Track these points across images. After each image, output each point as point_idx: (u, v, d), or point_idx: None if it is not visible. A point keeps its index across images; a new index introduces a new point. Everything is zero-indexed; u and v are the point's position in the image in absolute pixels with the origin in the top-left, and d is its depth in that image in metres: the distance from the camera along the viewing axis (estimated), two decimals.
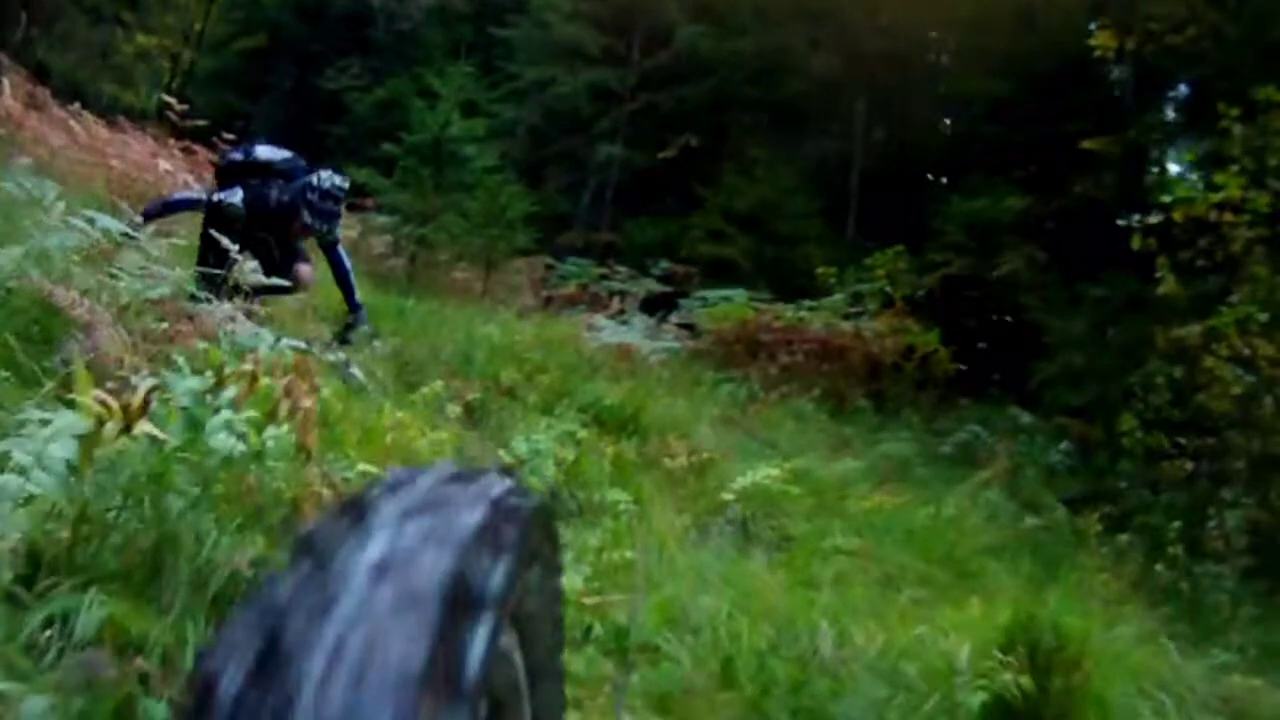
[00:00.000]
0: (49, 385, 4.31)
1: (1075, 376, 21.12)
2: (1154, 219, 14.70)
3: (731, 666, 5.39)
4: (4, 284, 5.39)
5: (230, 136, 18.75)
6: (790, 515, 9.28)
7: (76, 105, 17.80)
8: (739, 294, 21.20)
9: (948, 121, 34.00)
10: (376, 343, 10.63)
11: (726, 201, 30.21)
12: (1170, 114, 26.77)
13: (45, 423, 3.39)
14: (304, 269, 9.14)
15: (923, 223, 27.01)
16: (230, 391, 4.09)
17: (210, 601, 3.58)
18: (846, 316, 20.63)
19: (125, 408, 3.50)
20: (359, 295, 9.38)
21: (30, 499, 3.21)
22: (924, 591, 8.34)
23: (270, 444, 4.17)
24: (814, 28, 31.31)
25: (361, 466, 4.89)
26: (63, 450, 3.33)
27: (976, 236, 25.99)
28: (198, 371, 4.13)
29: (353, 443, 5.88)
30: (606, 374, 13.34)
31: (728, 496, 8.91)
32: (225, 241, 7.01)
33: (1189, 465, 14.01)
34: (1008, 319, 26.38)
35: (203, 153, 18.52)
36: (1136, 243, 14.68)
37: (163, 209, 9.37)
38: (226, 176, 9.07)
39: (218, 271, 7.32)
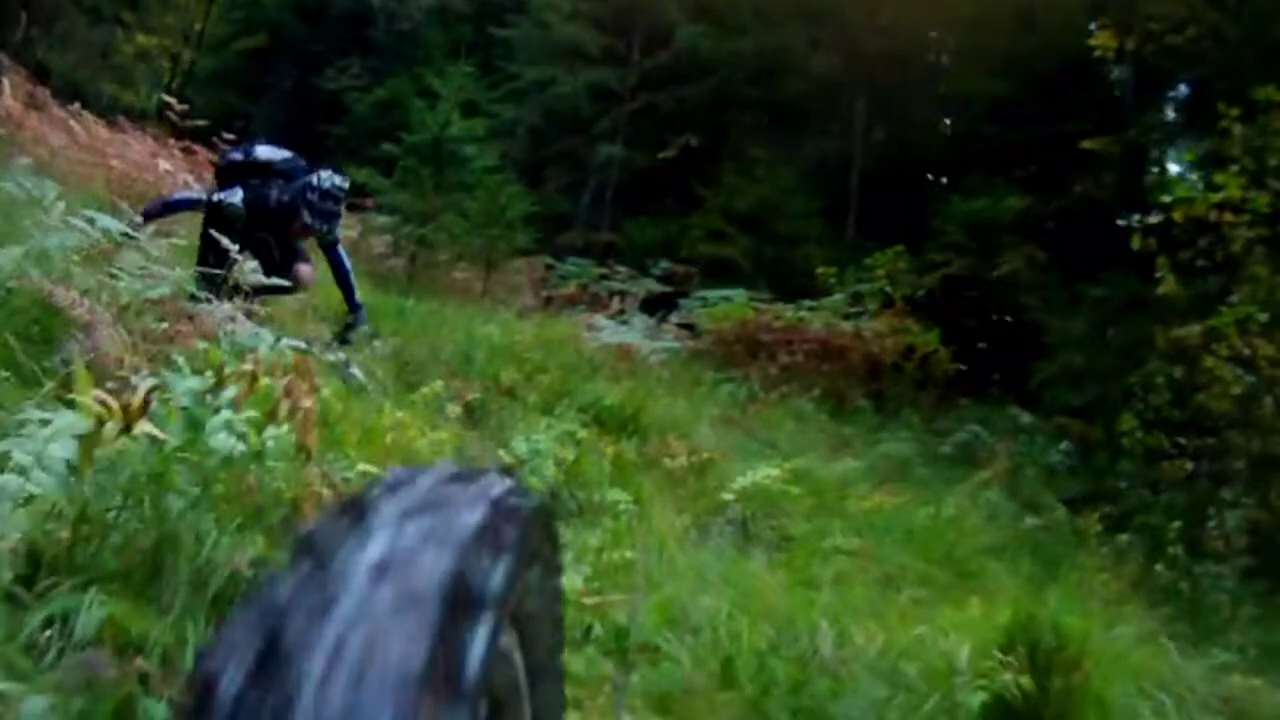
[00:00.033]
0: (49, 385, 4.31)
1: (1075, 376, 21.13)
2: (1154, 219, 14.70)
3: (731, 666, 5.39)
4: (4, 284, 5.39)
5: (230, 137, 18.76)
6: (790, 515, 9.29)
7: (76, 105, 17.81)
8: (739, 294, 21.20)
9: (948, 121, 34.02)
10: (377, 343, 10.64)
11: (726, 201, 30.21)
12: (1170, 114, 26.78)
13: (45, 423, 3.39)
14: (304, 269, 9.15)
15: (923, 223, 27.01)
16: (230, 391, 4.09)
17: (210, 601, 3.58)
18: (846, 316, 20.63)
19: (125, 408, 3.50)
20: (359, 295, 9.40)
21: (30, 499, 3.21)
22: (924, 591, 8.34)
23: (270, 444, 4.16)
24: (814, 28, 31.32)
25: (361, 466, 4.90)
26: (63, 450, 3.33)
27: (976, 236, 25.99)
28: (198, 371, 4.13)
29: (353, 443, 5.88)
30: (606, 374, 13.35)
31: (728, 496, 8.91)
32: (225, 241, 7.01)
33: (1189, 465, 14.01)
34: (1008, 319, 26.40)
35: (203, 153, 18.53)
36: (1136, 243, 14.68)
37: (163, 209, 9.38)
38: (226, 176, 9.07)
39: (218, 271, 7.33)
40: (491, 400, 10.44)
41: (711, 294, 21.51)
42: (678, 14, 32.87)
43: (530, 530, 1.61)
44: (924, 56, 33.71)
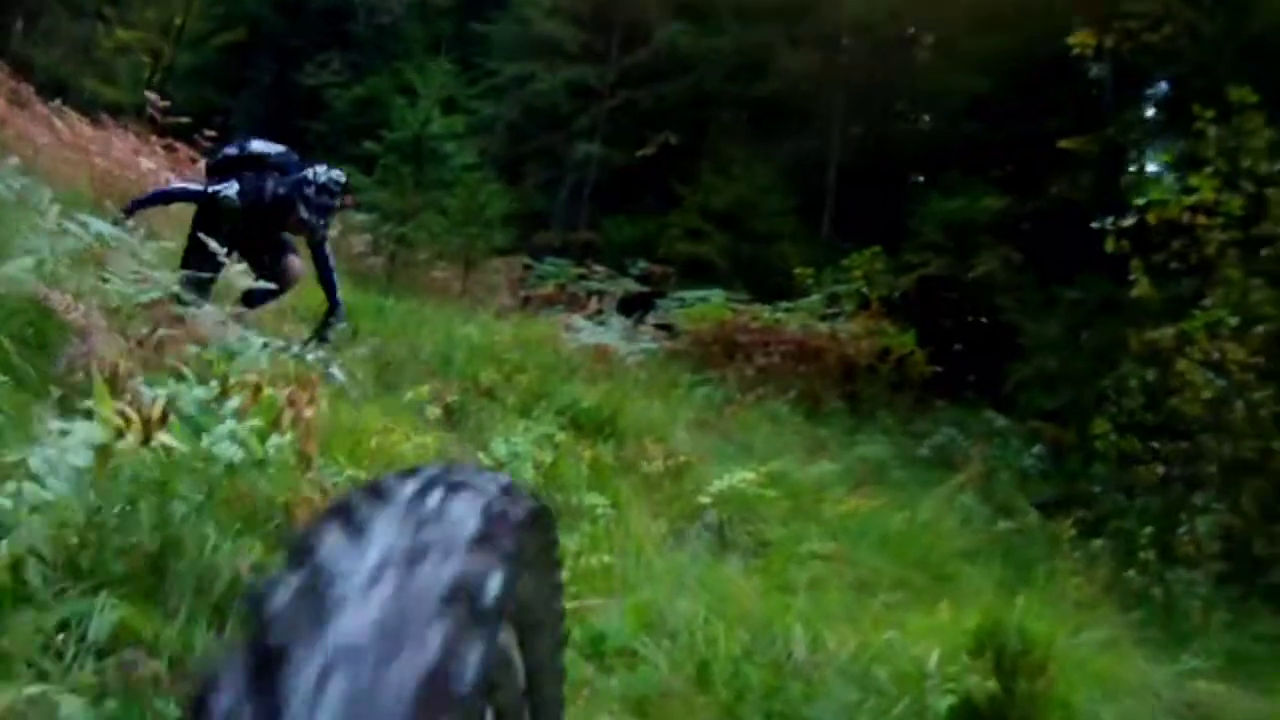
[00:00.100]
0: (56, 392, 4.38)
1: (1049, 379, 21.18)
2: (1128, 221, 14.74)
3: (708, 671, 5.44)
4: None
5: (211, 134, 18.80)
6: (766, 519, 9.30)
7: (58, 102, 17.83)
8: (716, 294, 21.15)
9: (926, 118, 33.99)
10: (362, 349, 10.68)
11: (704, 200, 30.14)
12: (1150, 111, 26.78)
13: (65, 433, 3.47)
14: (294, 261, 9.20)
15: (900, 221, 26.96)
16: (235, 401, 4.18)
17: (213, 605, 3.67)
18: (823, 318, 20.55)
19: (145, 420, 3.58)
20: (340, 293, 9.46)
21: (39, 506, 3.28)
22: (898, 595, 8.40)
23: (272, 452, 4.25)
24: (793, 25, 31.28)
25: (350, 472, 4.96)
26: (79, 459, 3.41)
27: (953, 236, 25.95)
28: (202, 380, 4.22)
29: (338, 447, 5.95)
30: (584, 375, 13.34)
31: (704, 500, 8.89)
32: (213, 244, 7.06)
33: (1161, 469, 14.04)
34: (983, 320, 26.42)
35: (184, 150, 18.56)
36: (1110, 245, 14.68)
37: (156, 199, 9.46)
38: (221, 172, 9.09)
39: (206, 275, 7.40)
40: (470, 402, 10.43)
41: (689, 294, 21.43)
42: (657, 11, 32.83)
43: (528, 530, 1.62)
44: (902, 53, 33.62)
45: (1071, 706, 6.06)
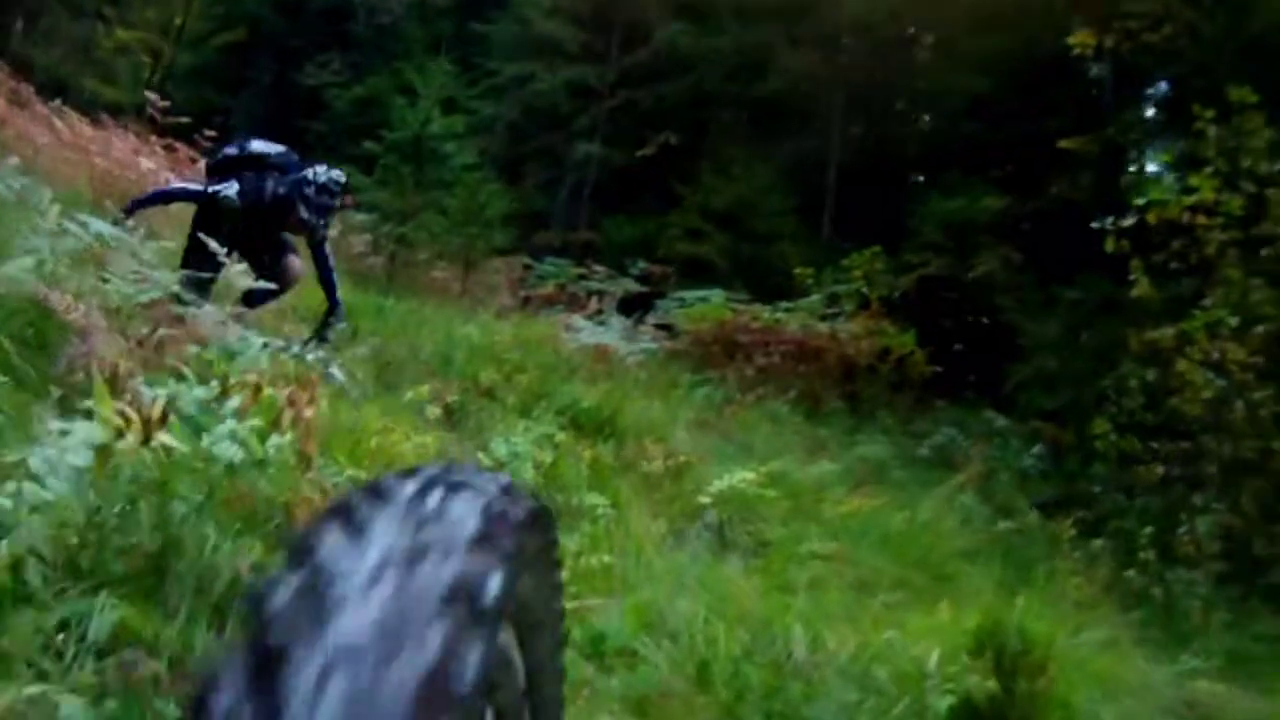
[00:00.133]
0: (56, 393, 4.39)
1: (1049, 379, 21.18)
2: (1128, 221, 14.72)
3: (708, 671, 5.44)
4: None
5: (211, 134, 18.82)
6: (766, 519, 9.29)
7: (58, 102, 17.84)
8: (716, 294, 21.13)
9: (926, 118, 33.99)
10: (362, 349, 10.69)
11: (704, 200, 30.14)
12: (1150, 111, 26.75)
13: (65, 433, 3.48)
14: (295, 261, 9.21)
15: (900, 221, 26.95)
16: (235, 401, 4.19)
17: (213, 605, 3.67)
18: (823, 318, 20.53)
19: (145, 420, 3.59)
20: (340, 293, 9.47)
21: (39, 506, 3.29)
22: (898, 596, 8.39)
23: (273, 452, 4.25)
24: (793, 24, 31.28)
25: (350, 472, 4.96)
26: (79, 459, 3.42)
27: (953, 237, 25.94)
28: (203, 380, 4.22)
29: (339, 447, 5.95)
30: (584, 375, 13.33)
31: (704, 500, 8.88)
32: (213, 244, 7.06)
33: (1161, 470, 14.03)
34: (984, 320, 26.39)
35: (183, 150, 18.57)
36: (1110, 245, 14.66)
37: (157, 199, 9.47)
38: (221, 172, 9.09)
39: (206, 275, 7.41)
40: (470, 401, 10.42)
41: (689, 294, 21.40)
42: (657, 11, 32.85)
43: (529, 529, 1.62)
44: (902, 53, 33.60)
45: (1071, 706, 6.06)
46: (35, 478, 3.29)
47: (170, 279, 6.52)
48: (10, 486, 3.25)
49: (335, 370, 7.97)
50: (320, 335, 9.10)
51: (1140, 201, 14.74)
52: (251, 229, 8.67)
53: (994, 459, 17.03)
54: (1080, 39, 19.78)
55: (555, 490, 8.12)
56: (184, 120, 19.10)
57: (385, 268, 20.80)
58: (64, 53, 28.94)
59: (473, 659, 1.27)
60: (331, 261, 9.34)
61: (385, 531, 1.41)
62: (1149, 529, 12.87)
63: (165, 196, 9.71)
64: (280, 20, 39.77)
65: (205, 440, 4.01)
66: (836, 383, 19.52)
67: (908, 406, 20.35)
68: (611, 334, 17.80)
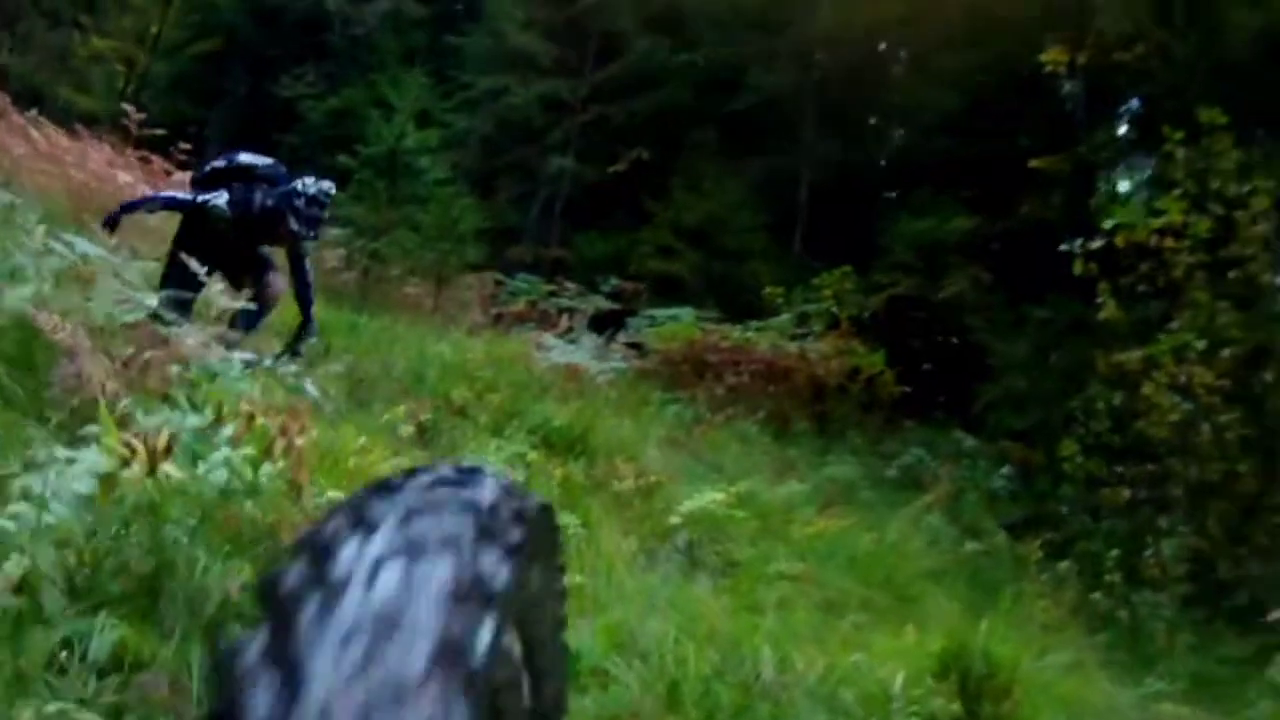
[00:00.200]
0: (53, 416, 4.44)
1: (1018, 400, 21.24)
2: (1096, 244, 14.76)
3: (678, 691, 5.44)
4: None
5: (186, 146, 18.80)
6: (735, 539, 9.30)
7: (34, 111, 17.81)
8: (686, 313, 21.13)
9: (899, 134, 34.07)
10: (335, 366, 10.70)
11: (676, 216, 30.21)
12: (1123, 129, 26.79)
13: (71, 460, 3.54)
14: (277, 279, 9.21)
15: (871, 240, 27.01)
16: (229, 429, 4.25)
17: (205, 625, 3.72)
18: (793, 337, 20.53)
19: (151, 451, 3.65)
20: (314, 308, 9.48)
21: (43, 529, 3.34)
22: (865, 616, 8.45)
23: (265, 480, 4.31)
24: (766, 40, 31.34)
25: (330, 494, 5.00)
26: (83, 486, 3.48)
27: (923, 256, 26.01)
28: (190, 402, 4.29)
29: (316, 467, 5.97)
30: (555, 394, 13.31)
31: (674, 520, 8.88)
32: (194, 264, 7.08)
33: (1127, 492, 14.08)
34: (953, 340, 26.42)
35: (158, 162, 18.55)
36: (1079, 268, 14.70)
37: (147, 204, 9.45)
38: (208, 184, 9.08)
39: (188, 295, 7.44)
40: (443, 420, 10.42)
41: (659, 313, 21.37)
42: (631, 25, 32.94)
43: (533, 529, 1.64)
44: (875, 69, 33.65)
45: None
46: (39, 501, 3.34)
47: (152, 300, 6.54)
48: (12, 509, 3.31)
49: (309, 386, 7.99)
50: (293, 350, 9.10)
51: (1108, 224, 14.75)
52: (239, 241, 8.71)
53: (962, 479, 17.08)
54: (1053, 56, 19.93)
55: None
56: (159, 132, 19.08)
57: (358, 283, 20.77)
58: (40, 61, 28.88)
59: (481, 650, 1.32)
60: (310, 276, 9.34)
61: (394, 526, 1.47)
62: (1115, 551, 12.92)
63: (155, 202, 9.68)
64: (256, 30, 39.58)
65: (201, 467, 4.08)
66: (806, 403, 19.53)
67: (877, 426, 20.38)
68: (582, 353, 17.79)
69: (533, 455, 9.62)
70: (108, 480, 3.60)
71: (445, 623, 1.31)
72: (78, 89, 30.25)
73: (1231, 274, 13.98)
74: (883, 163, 33.39)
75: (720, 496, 9.23)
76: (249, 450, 4.30)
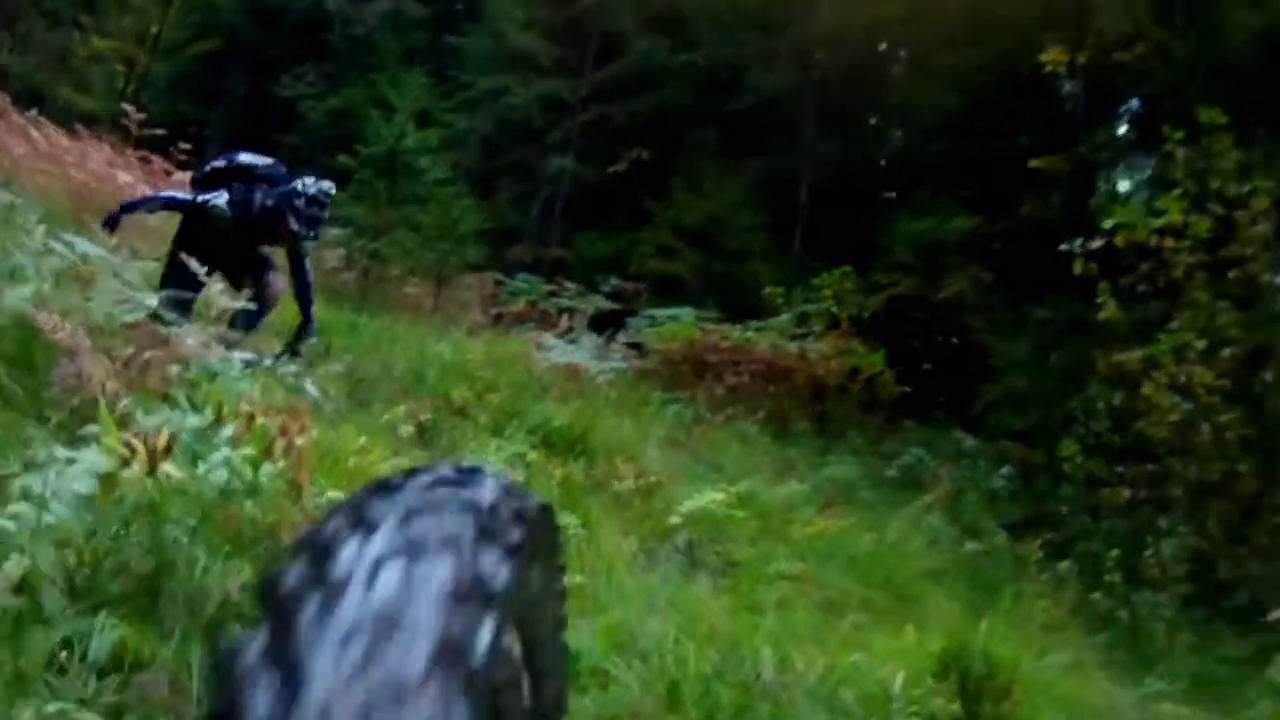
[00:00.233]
0: (53, 416, 4.44)
1: (1018, 400, 21.22)
2: (1096, 244, 14.74)
3: (678, 691, 5.43)
4: None
5: (185, 146, 18.79)
6: (735, 539, 9.29)
7: (34, 111, 17.79)
8: (686, 313, 21.11)
9: (899, 133, 34.03)
10: (335, 365, 10.68)
11: (676, 216, 30.19)
12: (1123, 129, 26.72)
13: (71, 461, 3.54)
14: (276, 279, 9.19)
15: (870, 240, 26.98)
16: (229, 429, 4.25)
17: (205, 625, 3.72)
18: (793, 337, 20.52)
19: (151, 451, 3.65)
20: (314, 308, 9.47)
21: (43, 529, 3.34)
22: (865, 616, 8.44)
23: (265, 480, 4.31)
24: (766, 39, 31.31)
25: (331, 494, 4.99)
26: (83, 486, 3.48)
27: (923, 256, 25.97)
28: (191, 403, 4.28)
29: (317, 467, 5.96)
30: (555, 394, 13.29)
31: (675, 520, 8.86)
32: (194, 265, 7.07)
33: (1127, 492, 14.06)
34: (953, 340, 26.39)
35: (158, 162, 18.54)
36: (1079, 267, 14.68)
37: (147, 204, 9.44)
38: (208, 184, 9.05)
39: (188, 295, 7.43)
40: (443, 420, 10.41)
41: (659, 313, 21.34)
42: (631, 25, 32.93)
43: (533, 529, 1.65)
44: (876, 69, 33.62)
45: None
46: (39, 501, 3.34)
47: (152, 300, 6.53)
48: (12, 509, 3.31)
49: (309, 386, 7.98)
50: (292, 349, 9.08)
51: (1108, 224, 14.73)
52: (239, 241, 8.70)
53: (962, 479, 17.06)
54: (1053, 56, 19.94)
55: None
56: (159, 132, 19.07)
57: (358, 283, 20.74)
58: (40, 60, 28.87)
59: (481, 650, 1.33)
60: (310, 276, 9.32)
61: (394, 525, 1.47)
62: (1115, 551, 12.90)
63: (155, 202, 9.66)
64: (256, 30, 39.49)
65: (201, 467, 4.08)
66: (806, 403, 19.51)
67: (877, 427, 20.36)
68: (582, 353, 17.77)
69: (533, 455, 9.62)
70: (108, 480, 3.60)
71: (445, 623, 1.31)
72: (78, 89, 30.23)
73: (1231, 274, 13.97)
74: (883, 163, 33.35)
75: (720, 496, 9.21)
76: (249, 450, 4.30)
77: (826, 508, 12.13)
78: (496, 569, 1.44)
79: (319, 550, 1.45)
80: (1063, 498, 15.74)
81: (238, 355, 5.66)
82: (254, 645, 1.34)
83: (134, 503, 3.83)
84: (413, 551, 1.41)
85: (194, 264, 7.04)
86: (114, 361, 5.54)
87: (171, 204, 9.35)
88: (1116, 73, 21.05)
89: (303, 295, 9.22)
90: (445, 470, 1.68)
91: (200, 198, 8.75)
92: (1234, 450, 13.35)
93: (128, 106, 19.96)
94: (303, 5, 39.11)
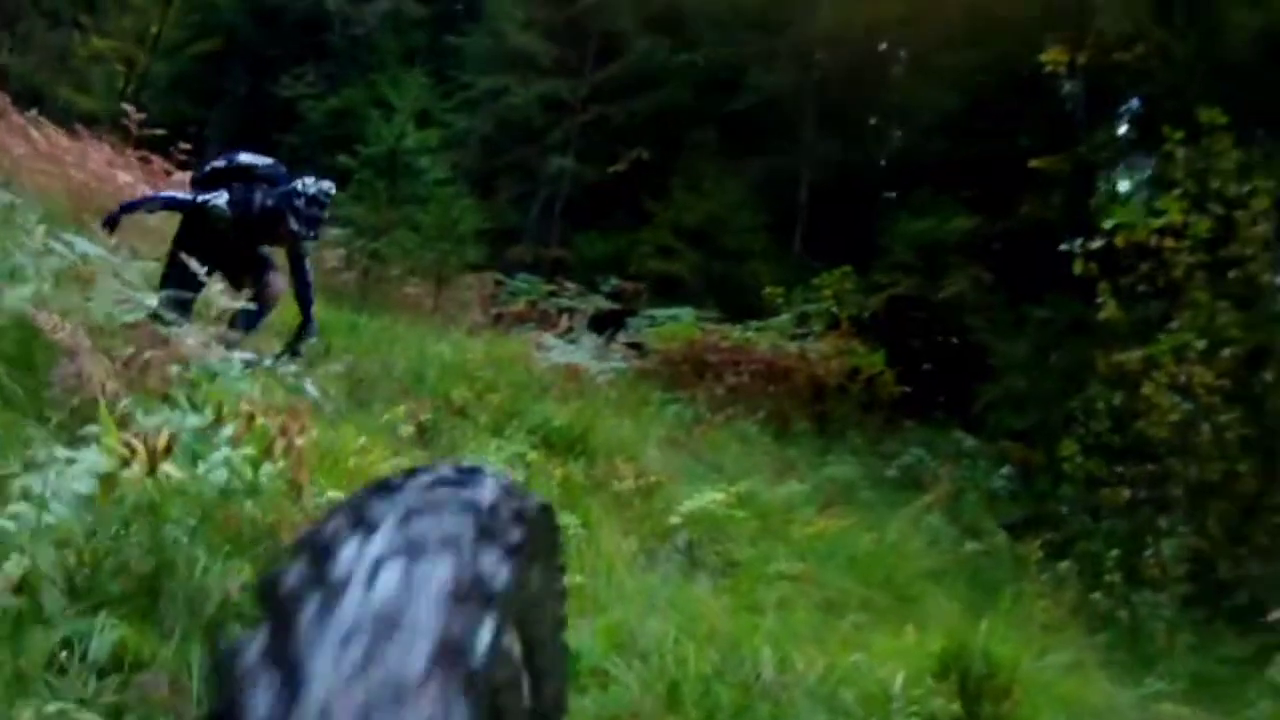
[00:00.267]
0: (53, 416, 4.44)
1: (1018, 400, 21.21)
2: (1096, 244, 14.73)
3: (678, 691, 5.42)
4: None
5: (185, 146, 18.78)
6: (735, 539, 9.29)
7: (34, 111, 17.79)
8: (686, 313, 21.09)
9: (899, 133, 34.01)
10: (335, 365, 10.68)
11: (676, 216, 30.17)
12: (1123, 129, 26.70)
13: (71, 461, 3.54)
14: (276, 279, 9.18)
15: (871, 240, 26.97)
16: (229, 429, 4.25)
17: (205, 625, 3.72)
18: (793, 337, 20.50)
19: (151, 451, 3.66)
20: (314, 308, 9.46)
21: (43, 529, 3.35)
22: (865, 616, 8.43)
23: (265, 480, 4.31)
24: (767, 39, 31.31)
25: (331, 494, 4.99)
26: (83, 486, 3.48)
27: (923, 256, 25.95)
28: (190, 402, 4.29)
29: (317, 467, 5.96)
30: (555, 394, 13.28)
31: (675, 520, 8.85)
32: (194, 264, 7.06)
33: (1127, 492, 14.05)
34: (953, 340, 26.37)
35: (158, 162, 18.53)
36: (1079, 267, 14.67)
37: (147, 204, 9.43)
38: (208, 184, 9.05)
39: (188, 295, 7.42)
40: (443, 420, 10.40)
41: (659, 313, 21.32)
42: (631, 25, 32.93)
43: (534, 529, 1.65)
44: (876, 69, 33.60)
45: None
46: (39, 501, 3.35)
47: (152, 300, 6.53)
48: (12, 509, 3.31)
49: (309, 386, 7.97)
50: (292, 349, 9.08)
51: (1108, 224, 14.72)
52: (239, 241, 8.69)
53: (962, 479, 17.05)
54: (1053, 56, 19.93)
55: None
56: (159, 132, 19.06)
57: (358, 283, 20.73)
58: (40, 60, 28.87)
59: (481, 650, 1.33)
60: (310, 276, 9.32)
61: (394, 525, 1.47)
62: (1115, 551, 12.89)
63: (155, 202, 9.65)
64: (256, 30, 39.44)
65: (201, 467, 4.08)
66: (806, 403, 19.50)
67: (877, 427, 20.35)
68: (582, 353, 17.75)
69: (533, 455, 9.62)
70: (108, 480, 3.60)
71: (445, 623, 1.31)
72: (78, 89, 30.22)
73: (1231, 274, 13.96)
74: (883, 163, 33.34)
75: (720, 496, 9.20)
76: (249, 450, 4.30)
77: (826, 508, 12.13)
78: (496, 569, 1.44)
79: (319, 550, 1.45)
80: (1063, 498, 15.73)
81: (238, 355, 5.66)
82: (254, 645, 1.34)
83: (134, 503, 3.83)
84: (413, 551, 1.41)
85: (194, 264, 7.03)
86: (114, 361, 5.54)
87: (171, 204, 9.34)
88: (1116, 73, 21.05)
89: (303, 295, 9.21)
90: (445, 470, 1.68)
91: (200, 198, 8.74)
92: (1234, 450, 13.35)
93: (128, 106, 19.95)
94: (303, 5, 39.07)
